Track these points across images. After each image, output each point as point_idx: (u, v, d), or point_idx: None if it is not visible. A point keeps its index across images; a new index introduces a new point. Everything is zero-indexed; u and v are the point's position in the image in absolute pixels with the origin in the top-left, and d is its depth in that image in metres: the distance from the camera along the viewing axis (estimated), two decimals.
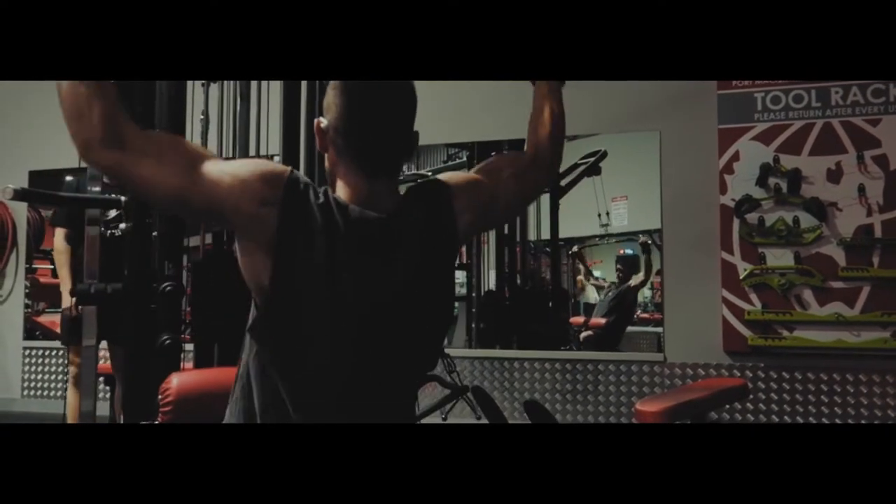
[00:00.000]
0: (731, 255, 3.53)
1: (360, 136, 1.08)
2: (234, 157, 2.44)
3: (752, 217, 3.50)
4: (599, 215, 4.34)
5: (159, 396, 1.50)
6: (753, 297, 3.47)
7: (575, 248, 4.45)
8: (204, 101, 2.53)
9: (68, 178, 3.27)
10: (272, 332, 1.04)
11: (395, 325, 1.07)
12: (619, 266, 4.45)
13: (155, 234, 2.05)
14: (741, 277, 3.49)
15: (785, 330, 3.43)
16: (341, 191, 1.10)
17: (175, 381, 1.49)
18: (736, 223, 3.52)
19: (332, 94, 1.10)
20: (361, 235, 1.05)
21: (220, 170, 1.02)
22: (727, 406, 3.41)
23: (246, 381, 1.11)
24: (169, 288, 1.97)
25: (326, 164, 1.13)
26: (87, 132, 1.00)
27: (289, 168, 1.07)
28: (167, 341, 1.94)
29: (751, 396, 3.41)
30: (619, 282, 4.46)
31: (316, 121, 1.12)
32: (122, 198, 2.09)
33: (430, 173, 4.29)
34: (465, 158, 4.25)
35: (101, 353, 2.83)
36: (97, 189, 2.27)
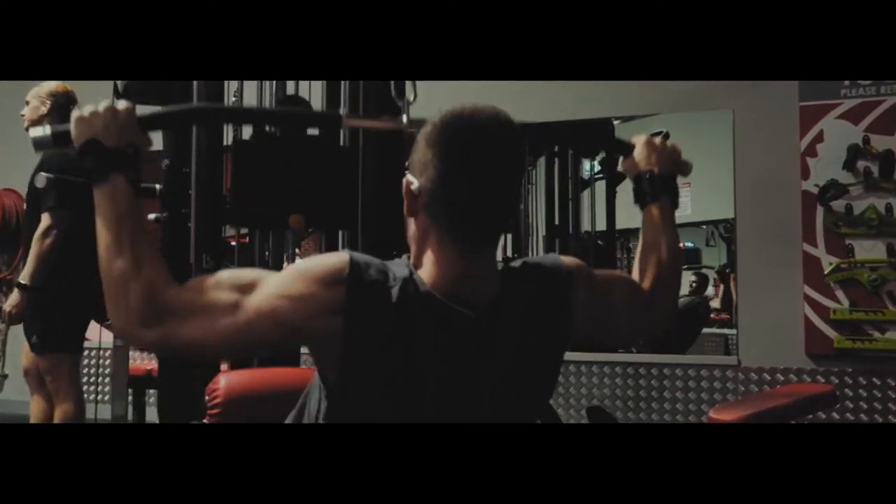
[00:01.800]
0: (815, 248, 3.47)
1: (460, 206, 1.00)
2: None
3: (838, 205, 3.44)
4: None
5: (206, 397, 1.54)
6: (840, 294, 3.42)
7: (630, 246, 4.41)
8: (238, 97, 2.57)
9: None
10: (348, 417, 1.03)
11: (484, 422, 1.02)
12: (692, 282, 4.38)
13: (191, 224, 2.11)
14: (826, 272, 3.44)
15: (876, 331, 3.37)
16: (429, 268, 1.03)
17: (223, 382, 1.53)
18: (820, 212, 3.46)
19: (425, 149, 1.02)
20: (449, 339, 1.00)
21: (272, 297, 0.98)
22: (810, 416, 3.37)
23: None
24: None
25: (412, 231, 1.06)
26: (123, 318, 1.01)
27: (347, 259, 0.99)
28: None
29: (837, 405, 3.36)
30: (689, 292, 4.37)
31: (405, 181, 1.04)
32: (157, 186, 2.16)
33: None
34: None
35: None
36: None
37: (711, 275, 4.13)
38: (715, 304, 4.16)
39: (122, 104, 1.07)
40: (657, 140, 1.31)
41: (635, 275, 1.25)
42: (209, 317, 0.98)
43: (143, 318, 0.99)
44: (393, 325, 0.98)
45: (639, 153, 1.31)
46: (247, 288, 1.00)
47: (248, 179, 2.11)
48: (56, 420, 2.77)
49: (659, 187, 1.29)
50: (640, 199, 1.30)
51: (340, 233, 2.36)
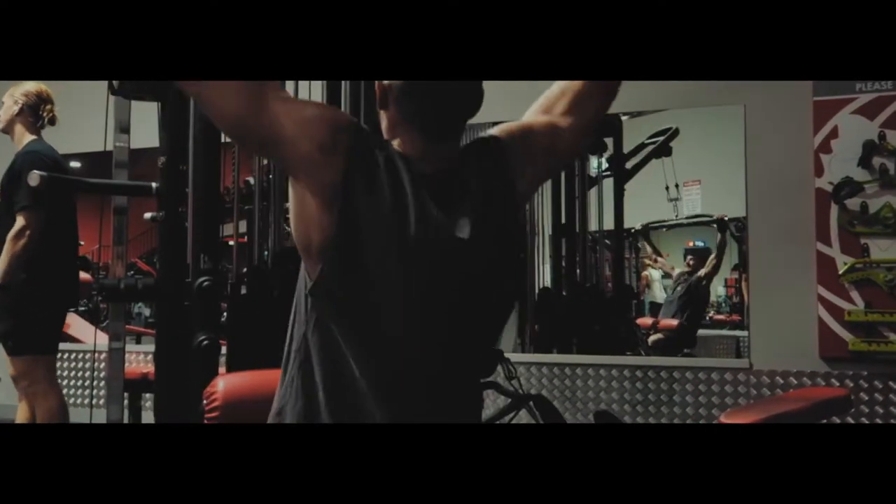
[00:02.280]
0: (829, 247, 3.46)
1: (425, 97, 1.14)
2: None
3: (853, 203, 3.42)
4: (671, 201, 4.31)
5: (204, 401, 1.55)
6: (855, 294, 3.40)
7: (638, 226, 4.41)
8: None
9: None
10: (339, 289, 1.10)
11: (463, 283, 1.14)
12: (689, 258, 4.41)
13: (188, 223, 2.11)
14: (840, 272, 3.43)
15: (892, 333, 3.35)
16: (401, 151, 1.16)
17: (221, 385, 1.54)
18: (834, 210, 3.45)
19: None
20: (427, 188, 1.13)
21: (286, 105, 1.10)
22: (825, 420, 3.36)
23: (305, 358, 1.16)
24: (205, 283, 2.03)
25: (384, 123, 1.20)
26: None
27: (356, 119, 1.16)
28: (204, 342, 2.00)
29: (851, 409, 3.35)
30: (689, 272, 4.42)
31: None
32: (154, 184, 2.16)
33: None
34: None
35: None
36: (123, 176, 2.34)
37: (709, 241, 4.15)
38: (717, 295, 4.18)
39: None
40: None
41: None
42: (229, 87, 1.07)
43: None
44: (383, 172, 1.10)
45: None
46: (270, 86, 1.11)
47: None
48: (39, 420, 2.77)
49: None
50: None
51: None
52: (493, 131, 1.25)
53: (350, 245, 1.08)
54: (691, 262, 4.41)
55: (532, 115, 1.28)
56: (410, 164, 1.14)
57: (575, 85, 1.28)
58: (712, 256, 4.21)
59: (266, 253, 2.61)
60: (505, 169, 1.20)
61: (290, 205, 1.13)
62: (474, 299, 1.16)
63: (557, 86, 1.30)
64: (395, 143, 1.17)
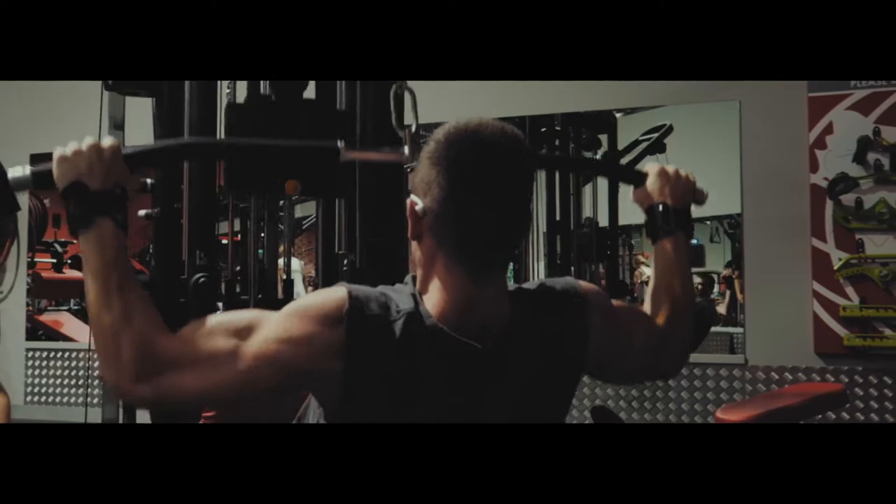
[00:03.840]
0: (824, 243, 3.48)
1: (468, 222, 0.98)
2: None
3: (848, 198, 3.44)
4: None
5: None
6: (850, 290, 3.42)
7: (642, 259, 4.43)
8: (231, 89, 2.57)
9: None
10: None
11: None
12: (698, 284, 4.39)
13: (184, 221, 2.10)
14: (835, 268, 3.45)
15: (887, 328, 3.38)
16: (435, 295, 1.01)
17: None
18: (829, 206, 3.47)
19: (429, 168, 1.00)
20: (456, 374, 0.99)
21: (270, 341, 0.98)
22: (820, 416, 3.37)
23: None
24: (201, 280, 2.02)
25: (417, 254, 1.06)
26: (116, 374, 0.99)
27: (345, 294, 0.98)
28: None
29: (847, 405, 3.37)
30: (700, 287, 4.40)
31: (409, 201, 1.03)
32: (149, 181, 2.15)
33: None
34: None
35: None
36: None
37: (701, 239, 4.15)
38: (721, 308, 4.18)
39: (107, 141, 1.03)
40: (670, 169, 1.27)
41: (655, 312, 1.21)
42: (206, 367, 0.97)
43: (136, 373, 0.97)
44: (396, 362, 0.96)
45: (652, 183, 1.27)
46: (243, 332, 0.98)
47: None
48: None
49: (673, 220, 1.25)
50: (653, 232, 1.27)
51: (337, 203, 2.32)
52: (571, 281, 1.11)
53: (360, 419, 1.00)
54: (700, 288, 4.42)
55: (633, 310, 1.17)
56: (436, 340, 0.98)
57: (654, 330, 1.19)
58: (727, 295, 4.15)
59: (261, 252, 2.61)
60: (582, 326, 1.06)
61: None
62: None
63: (638, 310, 1.21)
64: (431, 285, 1.02)
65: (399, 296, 1.01)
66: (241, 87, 2.52)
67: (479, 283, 1.00)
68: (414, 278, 1.06)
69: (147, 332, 0.99)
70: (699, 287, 4.30)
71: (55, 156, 1.04)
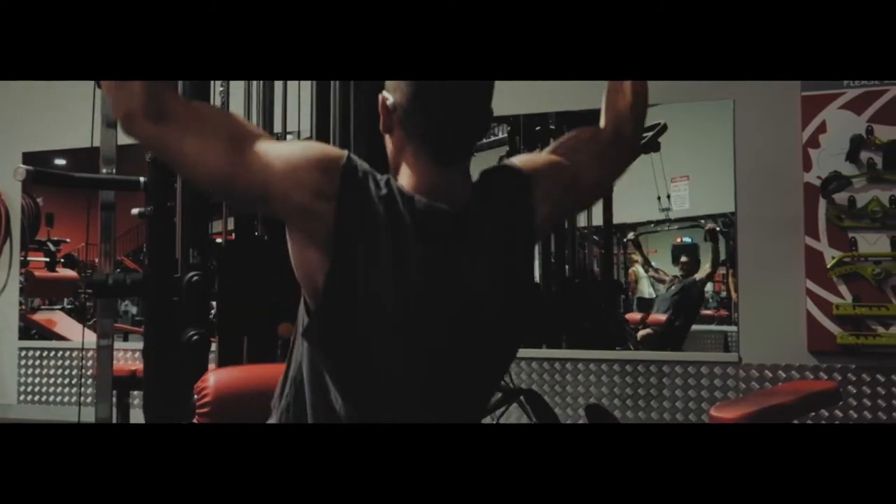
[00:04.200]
0: (817, 241, 3.49)
1: (433, 120, 1.07)
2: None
3: (841, 197, 3.45)
4: (659, 198, 4.32)
5: (195, 396, 1.54)
6: (843, 288, 3.43)
7: (631, 235, 4.44)
8: (224, 88, 2.56)
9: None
10: (329, 336, 1.06)
11: (466, 330, 1.08)
12: (682, 258, 4.42)
13: (177, 219, 2.10)
14: (829, 266, 3.45)
15: (880, 326, 3.39)
16: (406, 179, 1.10)
17: (212, 380, 1.53)
18: (822, 204, 3.47)
19: None
20: (429, 231, 1.06)
21: (271, 153, 1.03)
22: (813, 413, 3.38)
23: (300, 388, 1.14)
24: (195, 278, 2.02)
25: (389, 147, 1.13)
26: (128, 102, 1.03)
27: (345, 153, 1.07)
28: (194, 337, 1.99)
29: (840, 402, 3.38)
30: (682, 275, 4.44)
31: (381, 96, 1.11)
32: (141, 179, 2.14)
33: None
34: (505, 134, 4.25)
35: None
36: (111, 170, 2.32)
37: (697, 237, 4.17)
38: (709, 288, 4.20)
39: None
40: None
41: (606, 110, 1.31)
42: (208, 141, 1.02)
43: (145, 107, 1.02)
44: (381, 216, 1.04)
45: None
46: (252, 135, 1.05)
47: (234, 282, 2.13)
48: None
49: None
50: None
51: None
52: (517, 162, 1.18)
53: (344, 294, 1.03)
54: (683, 261, 4.43)
55: (555, 150, 1.23)
56: (414, 202, 1.06)
57: (602, 133, 1.27)
58: (707, 264, 4.21)
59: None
60: (525, 205, 1.14)
61: (290, 248, 1.08)
62: (482, 345, 1.11)
63: (584, 130, 1.27)
64: (402, 173, 1.11)
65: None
66: (235, 87, 2.53)
67: (444, 169, 1.09)
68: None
69: (162, 84, 1.04)
70: (685, 266, 4.33)
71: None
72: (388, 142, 1.13)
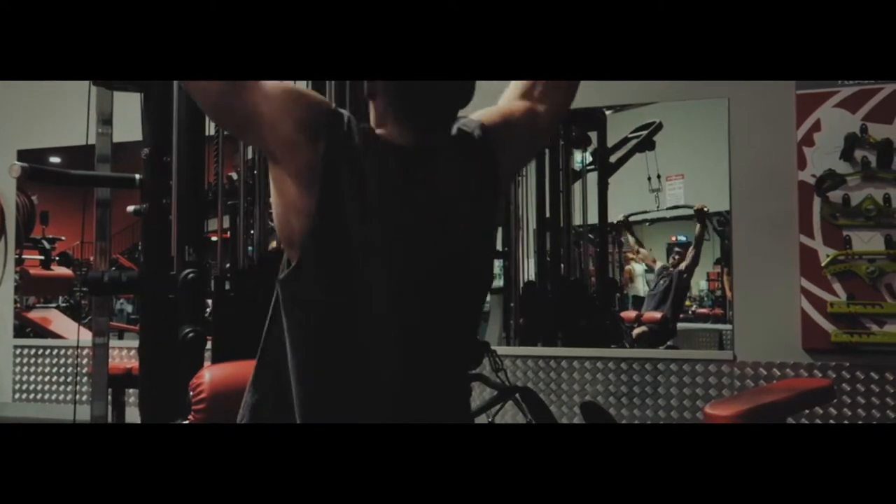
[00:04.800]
0: (811, 239, 3.49)
1: (415, 88, 1.12)
2: None
3: (835, 195, 3.45)
4: (652, 192, 4.33)
5: (190, 393, 1.53)
6: (837, 286, 3.44)
7: (621, 217, 4.44)
8: None
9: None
10: (315, 273, 1.08)
11: (443, 266, 1.13)
12: (673, 254, 4.43)
13: (172, 216, 2.09)
14: (823, 264, 3.46)
15: (874, 324, 3.39)
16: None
17: (207, 377, 1.53)
18: (817, 202, 3.48)
19: None
20: (410, 171, 1.12)
21: (265, 85, 1.09)
22: (807, 411, 3.39)
23: (278, 353, 1.14)
24: (190, 276, 2.01)
25: (372, 113, 1.18)
26: None
27: (331, 102, 1.12)
28: (189, 334, 1.98)
29: (834, 400, 3.39)
30: (671, 265, 4.45)
31: None
32: (137, 176, 2.14)
33: None
34: None
35: None
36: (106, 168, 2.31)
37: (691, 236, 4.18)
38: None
39: None
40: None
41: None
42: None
43: None
44: (363, 155, 1.09)
45: None
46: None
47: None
48: None
49: None
50: None
51: None
52: (475, 116, 1.25)
53: (330, 229, 1.07)
54: (676, 258, 4.44)
55: (509, 99, 1.29)
56: (393, 148, 1.13)
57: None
58: (692, 248, 4.24)
59: (251, 249, 2.60)
60: (488, 152, 1.20)
61: (272, 190, 1.12)
62: (455, 282, 1.16)
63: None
64: (384, 131, 1.16)
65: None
66: None
67: (423, 133, 1.14)
68: None
69: None
70: (675, 256, 4.33)
71: None
72: (372, 108, 1.18)
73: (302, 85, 2.40)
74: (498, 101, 1.31)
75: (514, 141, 1.24)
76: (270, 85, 1.10)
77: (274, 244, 2.65)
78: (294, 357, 1.11)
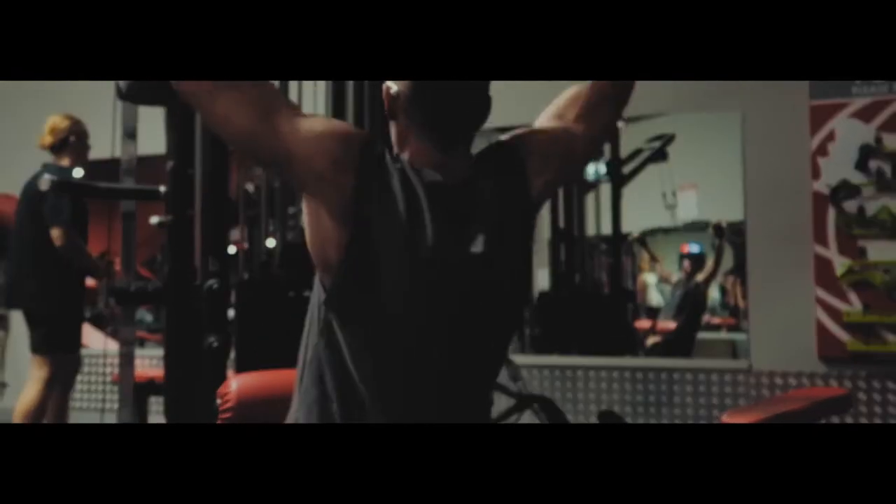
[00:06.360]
0: (826, 249, 3.47)
1: (434, 107, 1.13)
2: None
3: (850, 205, 3.43)
4: (667, 205, 4.32)
5: (218, 401, 1.55)
6: (853, 296, 3.41)
7: (635, 234, 4.43)
8: None
9: None
10: (349, 300, 1.09)
11: (476, 296, 1.12)
12: (685, 263, 4.42)
13: (196, 227, 2.11)
14: (838, 274, 3.43)
15: (890, 334, 3.36)
16: (410, 161, 1.14)
17: (234, 385, 1.54)
18: (831, 213, 3.45)
19: None
20: (441, 201, 1.11)
21: (298, 121, 1.09)
22: (824, 420, 3.35)
23: (318, 370, 1.15)
24: (214, 286, 2.02)
25: (393, 132, 1.18)
26: None
27: (366, 131, 1.11)
28: (213, 344, 1.99)
29: (851, 409, 3.35)
30: (686, 279, 4.43)
31: (384, 86, 1.16)
32: (162, 188, 2.16)
33: None
34: None
35: None
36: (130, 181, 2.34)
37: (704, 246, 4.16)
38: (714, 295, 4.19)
39: None
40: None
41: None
42: (241, 102, 1.07)
43: None
44: (397, 187, 1.09)
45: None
46: (282, 102, 1.12)
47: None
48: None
49: None
50: None
51: None
52: (507, 138, 1.23)
53: (365, 260, 1.07)
54: (688, 268, 4.42)
55: (545, 121, 1.27)
56: (423, 175, 1.12)
57: (587, 92, 1.27)
58: (710, 261, 4.22)
59: (269, 257, 2.61)
60: (520, 177, 1.18)
61: (305, 221, 1.11)
62: (487, 312, 1.14)
63: (569, 92, 1.29)
64: (406, 154, 1.15)
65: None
66: None
67: (445, 153, 1.14)
68: None
69: None
70: (688, 268, 4.32)
71: None
72: (393, 127, 1.18)
73: (321, 88, 2.41)
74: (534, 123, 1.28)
75: (547, 165, 1.21)
76: (301, 120, 1.09)
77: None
78: (332, 379, 1.13)
